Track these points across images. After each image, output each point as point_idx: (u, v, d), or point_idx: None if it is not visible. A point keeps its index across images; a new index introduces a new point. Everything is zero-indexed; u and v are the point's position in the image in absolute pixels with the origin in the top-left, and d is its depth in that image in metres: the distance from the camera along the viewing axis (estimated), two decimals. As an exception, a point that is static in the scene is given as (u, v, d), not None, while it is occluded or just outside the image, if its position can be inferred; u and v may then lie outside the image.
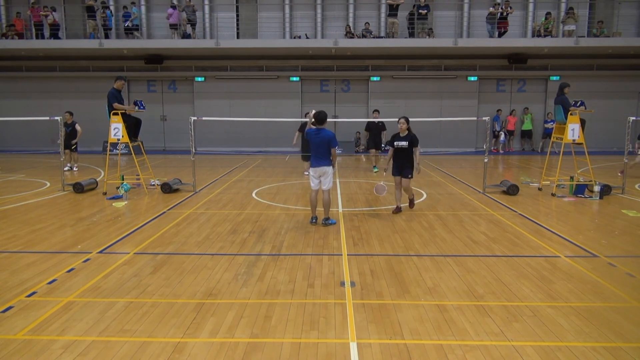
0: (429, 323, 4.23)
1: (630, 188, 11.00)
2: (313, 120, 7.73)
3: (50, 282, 5.17)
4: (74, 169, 14.56)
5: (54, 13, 19.83)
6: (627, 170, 10.93)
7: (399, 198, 8.68)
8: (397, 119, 8.70)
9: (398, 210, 8.61)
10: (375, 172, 14.13)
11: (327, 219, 7.79)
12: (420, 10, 19.42)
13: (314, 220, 7.85)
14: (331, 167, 7.62)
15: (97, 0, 19.93)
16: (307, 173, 12.88)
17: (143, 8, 20.67)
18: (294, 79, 21.28)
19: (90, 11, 19.77)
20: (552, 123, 17.11)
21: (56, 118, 11.21)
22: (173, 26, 19.68)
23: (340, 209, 9.01)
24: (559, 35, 19.67)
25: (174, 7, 19.75)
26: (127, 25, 19.78)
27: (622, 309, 4.58)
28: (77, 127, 14.41)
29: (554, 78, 20.71)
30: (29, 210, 8.84)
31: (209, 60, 21.14)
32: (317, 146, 7.54)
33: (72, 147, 14.42)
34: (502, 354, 3.72)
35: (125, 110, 10.38)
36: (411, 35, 19.68)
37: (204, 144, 20.14)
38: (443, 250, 6.46)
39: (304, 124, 13.42)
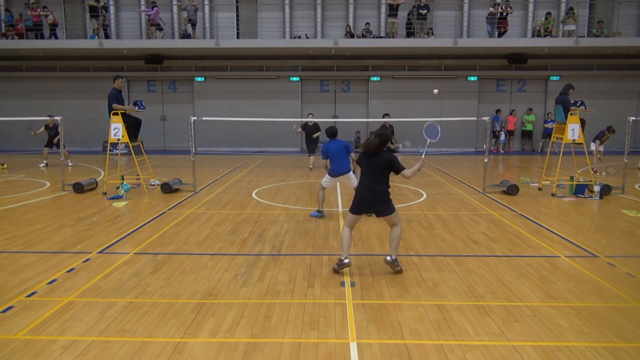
0: (429, 323, 4.23)
1: (630, 188, 11.00)
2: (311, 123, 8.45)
3: (50, 282, 5.16)
4: (69, 163, 14.84)
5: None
6: (626, 170, 10.92)
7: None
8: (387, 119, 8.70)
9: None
10: None
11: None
12: (420, 10, 19.42)
13: (319, 214, 8.29)
14: (352, 172, 8.22)
15: (100, 0, 19.92)
16: (312, 166, 14.50)
17: (143, 8, 20.66)
18: (294, 79, 21.27)
19: (94, 11, 19.75)
20: (552, 123, 17.11)
21: (56, 118, 11.20)
22: (155, 25, 19.70)
23: (340, 209, 9.01)
24: (559, 35, 19.67)
25: (153, 6, 19.74)
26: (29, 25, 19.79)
27: (622, 309, 4.58)
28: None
29: (554, 78, 20.71)
30: (29, 210, 8.84)
31: (209, 60, 21.14)
32: (336, 154, 8.17)
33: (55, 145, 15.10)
34: (502, 354, 3.72)
35: (125, 110, 10.38)
36: (411, 35, 19.69)
37: (204, 144, 20.13)
38: (443, 250, 6.46)
39: (305, 124, 14.28)
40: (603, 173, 12.02)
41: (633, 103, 20.81)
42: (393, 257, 5.51)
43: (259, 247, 6.54)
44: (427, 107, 20.71)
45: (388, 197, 5.48)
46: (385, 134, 5.48)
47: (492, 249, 6.54)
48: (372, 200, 5.43)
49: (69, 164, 14.87)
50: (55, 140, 14.80)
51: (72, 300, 4.71)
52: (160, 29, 19.99)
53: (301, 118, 19.61)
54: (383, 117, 14.65)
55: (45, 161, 15.21)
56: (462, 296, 4.85)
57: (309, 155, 14.92)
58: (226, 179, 12.96)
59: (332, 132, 8.53)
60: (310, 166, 14.69)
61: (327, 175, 8.30)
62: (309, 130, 14.59)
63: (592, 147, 13.48)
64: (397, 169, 5.45)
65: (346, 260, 5.46)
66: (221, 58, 20.95)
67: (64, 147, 11.32)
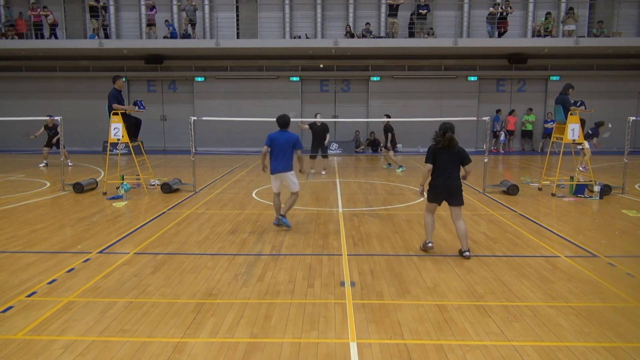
0: (429, 323, 4.23)
1: (630, 188, 11.00)
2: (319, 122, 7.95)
3: (50, 282, 5.16)
4: (69, 163, 14.86)
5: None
6: (626, 170, 10.91)
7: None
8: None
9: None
10: (385, 167, 15.24)
11: (283, 216, 7.51)
12: (420, 10, 19.43)
13: (277, 222, 7.50)
14: (292, 172, 7.39)
15: (100, 0, 19.93)
16: (313, 171, 13.48)
17: (143, 8, 20.67)
18: (294, 79, 21.28)
19: (94, 11, 19.76)
20: (552, 123, 17.11)
21: (56, 118, 11.21)
22: (152, 24, 19.72)
23: (340, 209, 9.01)
24: (559, 35, 19.67)
25: (152, 7, 19.77)
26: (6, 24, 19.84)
27: (622, 309, 4.58)
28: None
29: (554, 78, 20.72)
30: (29, 210, 8.84)
31: (209, 60, 21.14)
32: (280, 148, 7.27)
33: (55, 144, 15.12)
34: (502, 354, 3.72)
35: (125, 110, 10.38)
36: (411, 35, 19.69)
37: (204, 144, 20.14)
38: (443, 250, 6.46)
39: (313, 124, 13.68)
40: (580, 168, 12.00)
41: (633, 103, 20.81)
42: (467, 249, 6.05)
43: (259, 247, 6.54)
44: (427, 107, 20.73)
45: (462, 188, 6.06)
46: (451, 126, 6.00)
47: (492, 249, 6.54)
48: (451, 189, 6.02)
49: (69, 164, 14.89)
50: (55, 140, 14.85)
51: (72, 300, 4.71)
52: (174, 36, 20.02)
53: (301, 118, 19.66)
54: (383, 117, 14.48)
55: (45, 161, 15.25)
56: (462, 296, 4.85)
57: (311, 157, 13.51)
58: (226, 179, 12.96)
59: (283, 121, 7.41)
60: (312, 170, 13.39)
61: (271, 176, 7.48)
62: (317, 130, 13.42)
63: (587, 144, 13.32)
64: (466, 161, 6.06)
65: (430, 244, 6.08)
66: (221, 58, 20.95)
67: (64, 147, 11.33)
